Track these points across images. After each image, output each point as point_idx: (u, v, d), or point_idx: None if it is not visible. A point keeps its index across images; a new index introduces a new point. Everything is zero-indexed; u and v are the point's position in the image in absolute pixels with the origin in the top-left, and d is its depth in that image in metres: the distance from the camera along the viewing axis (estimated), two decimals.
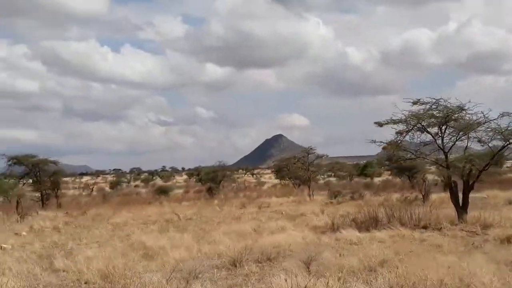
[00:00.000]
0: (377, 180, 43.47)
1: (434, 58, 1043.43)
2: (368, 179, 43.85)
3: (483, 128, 13.72)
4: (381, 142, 14.19)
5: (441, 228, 12.85)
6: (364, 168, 45.96)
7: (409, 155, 14.95)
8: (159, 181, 71.49)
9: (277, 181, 49.01)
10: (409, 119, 13.97)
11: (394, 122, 14.00)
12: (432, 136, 14.35)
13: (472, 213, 13.90)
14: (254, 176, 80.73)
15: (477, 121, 13.72)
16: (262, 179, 64.16)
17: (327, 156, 38.27)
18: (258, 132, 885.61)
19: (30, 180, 28.93)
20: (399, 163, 18.22)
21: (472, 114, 13.87)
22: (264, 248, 10.18)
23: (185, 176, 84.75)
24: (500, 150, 14.04)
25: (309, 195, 29.22)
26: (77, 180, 79.01)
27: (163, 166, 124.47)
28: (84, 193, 43.17)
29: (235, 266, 9.03)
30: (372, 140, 14.08)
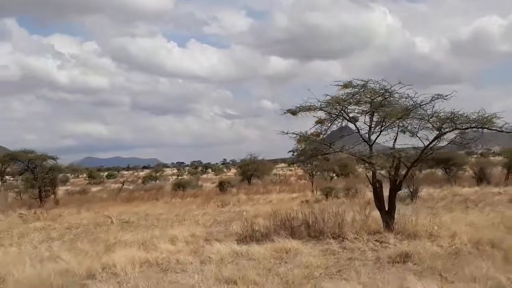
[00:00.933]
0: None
1: (505, 45, 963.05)
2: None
3: (413, 114, 11.04)
4: (293, 133, 11.39)
5: (343, 239, 10.43)
6: None
7: (326, 149, 11.99)
8: (210, 175, 71.26)
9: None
10: (328, 105, 11.40)
11: (308, 109, 11.40)
12: (355, 126, 11.79)
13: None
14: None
15: (402, 106, 11.13)
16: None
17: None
18: None
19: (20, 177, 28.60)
20: (313, 159, 15.19)
21: (402, 98, 11.32)
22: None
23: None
24: (432, 142, 11.19)
25: (312, 191, 27.10)
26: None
27: (224, 159, 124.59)
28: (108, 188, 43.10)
29: None
30: (283, 132, 11.39)
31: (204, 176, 68.25)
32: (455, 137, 11.21)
